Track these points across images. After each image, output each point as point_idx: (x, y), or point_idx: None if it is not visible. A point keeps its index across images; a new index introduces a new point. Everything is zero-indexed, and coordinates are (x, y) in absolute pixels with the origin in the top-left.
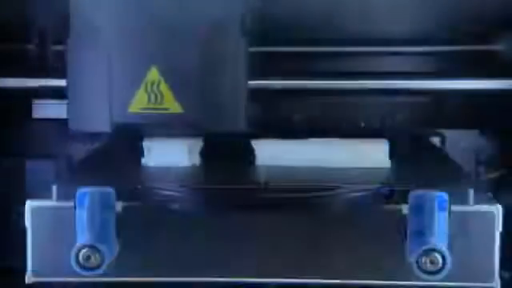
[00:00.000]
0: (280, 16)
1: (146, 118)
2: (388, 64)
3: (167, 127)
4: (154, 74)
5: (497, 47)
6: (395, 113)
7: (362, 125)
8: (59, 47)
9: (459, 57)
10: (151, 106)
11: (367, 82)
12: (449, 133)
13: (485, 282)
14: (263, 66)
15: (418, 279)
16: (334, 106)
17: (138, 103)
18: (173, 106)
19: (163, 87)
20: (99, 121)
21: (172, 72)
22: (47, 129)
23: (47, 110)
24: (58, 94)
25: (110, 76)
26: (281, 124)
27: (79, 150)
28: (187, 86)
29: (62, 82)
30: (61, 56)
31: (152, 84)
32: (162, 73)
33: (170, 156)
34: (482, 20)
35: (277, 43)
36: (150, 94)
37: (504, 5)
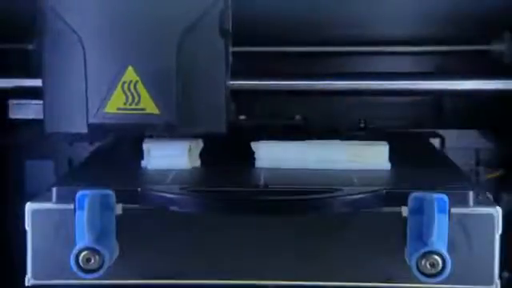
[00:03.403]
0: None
1: (122, 119)
2: (387, 64)
3: (144, 128)
4: (131, 73)
5: (497, 47)
6: (394, 113)
7: (362, 125)
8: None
9: (459, 57)
10: (128, 106)
11: (367, 83)
12: (449, 133)
13: (484, 285)
14: (262, 66)
15: (418, 282)
16: (333, 105)
17: (115, 103)
18: (150, 106)
19: (140, 87)
20: (75, 121)
21: (149, 72)
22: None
23: (25, 110)
24: (35, 93)
25: (87, 76)
26: (280, 124)
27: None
28: (165, 86)
29: (38, 82)
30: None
31: (129, 84)
32: (139, 73)
33: (170, 158)
34: (482, 20)
35: (276, 43)
36: (127, 95)
37: (504, 5)
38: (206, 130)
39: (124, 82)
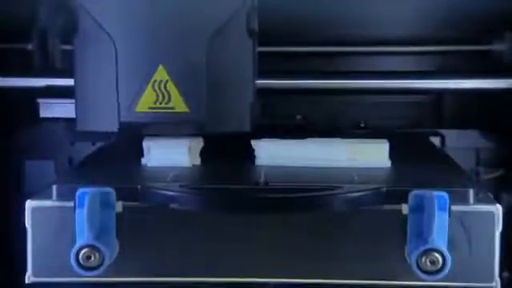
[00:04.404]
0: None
1: (152, 118)
2: (388, 64)
3: (173, 127)
4: (161, 73)
5: (497, 47)
6: (394, 113)
7: (362, 125)
8: (66, 46)
9: (459, 57)
10: (158, 105)
11: (367, 82)
12: (449, 133)
13: (485, 282)
14: (262, 65)
15: (418, 279)
16: (333, 105)
17: (146, 102)
18: (179, 105)
19: (170, 87)
20: (106, 120)
21: (179, 71)
22: (55, 128)
23: (55, 109)
24: (66, 93)
25: (118, 75)
26: (281, 124)
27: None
28: (194, 85)
29: (69, 82)
30: (68, 55)
31: (159, 83)
32: (170, 72)
33: (171, 156)
34: (482, 20)
35: (276, 43)
36: (158, 94)
37: (504, 5)
38: (231, 129)
39: (154, 81)
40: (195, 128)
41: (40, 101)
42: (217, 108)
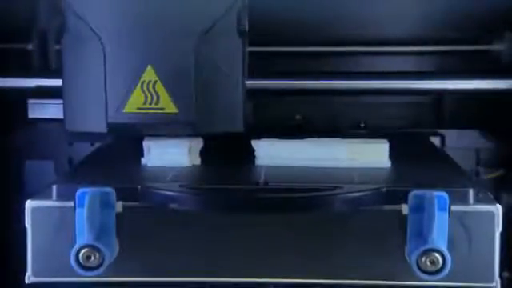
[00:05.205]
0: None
1: (141, 118)
2: (388, 64)
3: (163, 127)
4: (150, 73)
5: (496, 47)
6: (394, 113)
7: (362, 125)
8: (56, 46)
9: (459, 57)
10: (147, 106)
11: (367, 82)
12: (449, 133)
13: (485, 282)
14: (262, 65)
15: (418, 279)
16: (333, 106)
17: (134, 103)
18: (168, 106)
19: (159, 87)
20: (95, 121)
21: (168, 71)
22: (43, 128)
23: (43, 109)
24: (55, 93)
25: (106, 76)
26: (281, 124)
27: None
28: (183, 85)
29: (58, 82)
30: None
31: (148, 84)
32: (158, 72)
33: (171, 156)
34: (482, 20)
35: (275, 43)
36: (146, 94)
37: (504, 5)
38: (223, 129)
39: (143, 82)
40: (185, 129)
41: (30, 101)
42: (207, 108)
